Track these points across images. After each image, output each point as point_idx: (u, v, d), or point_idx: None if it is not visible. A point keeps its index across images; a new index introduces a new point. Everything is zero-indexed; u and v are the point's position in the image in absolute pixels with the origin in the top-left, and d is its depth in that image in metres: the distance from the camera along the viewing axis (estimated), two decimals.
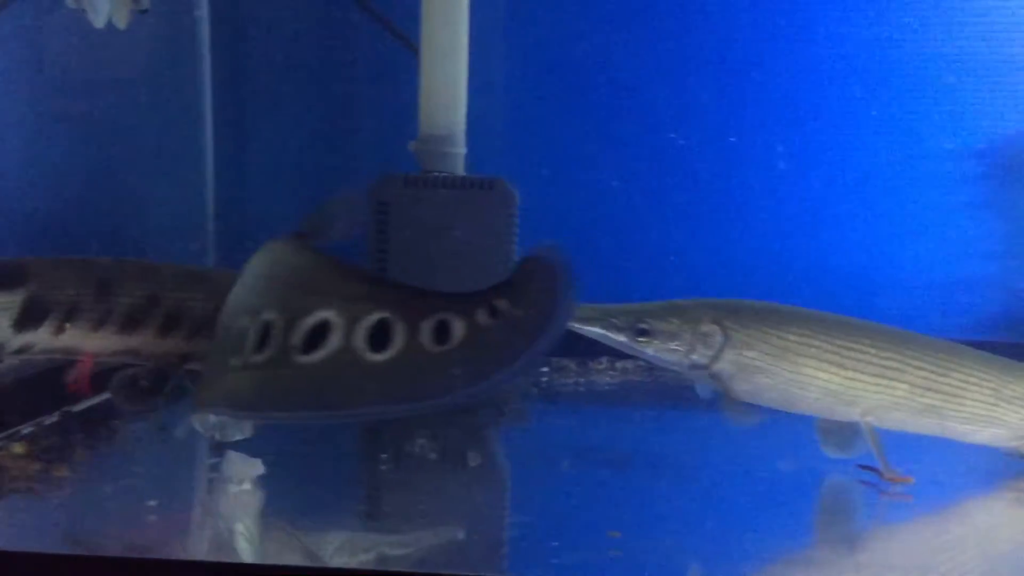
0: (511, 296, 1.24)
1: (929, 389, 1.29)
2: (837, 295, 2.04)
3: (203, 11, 2.09)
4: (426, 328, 1.19)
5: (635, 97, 2.09)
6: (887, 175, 2.08)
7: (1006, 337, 2.07)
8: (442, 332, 1.19)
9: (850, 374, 1.28)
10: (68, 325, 1.36)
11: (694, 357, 1.30)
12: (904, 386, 1.29)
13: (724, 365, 1.29)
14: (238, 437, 1.32)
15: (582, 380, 1.92)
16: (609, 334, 1.32)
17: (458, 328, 1.19)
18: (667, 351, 1.31)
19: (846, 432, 1.31)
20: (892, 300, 2.07)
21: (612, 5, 2.09)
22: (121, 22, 1.65)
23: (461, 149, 1.77)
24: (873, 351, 1.29)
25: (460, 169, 1.77)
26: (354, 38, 2.08)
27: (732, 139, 2.06)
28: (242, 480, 1.20)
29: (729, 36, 2.08)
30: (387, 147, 1.91)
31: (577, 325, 1.31)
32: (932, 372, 1.30)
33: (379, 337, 1.18)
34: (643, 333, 1.31)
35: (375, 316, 1.18)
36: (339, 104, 2.12)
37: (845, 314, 2.00)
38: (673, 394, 1.73)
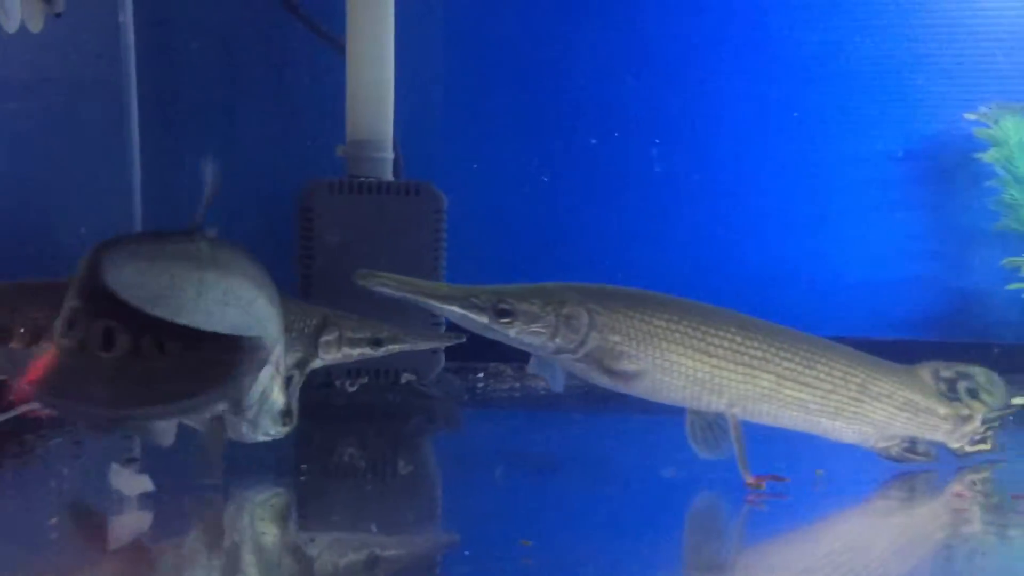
0: (192, 344, 1.16)
1: (795, 381, 1.26)
2: (770, 295, 2.05)
3: (127, 15, 2.05)
4: (97, 329, 1.12)
5: (566, 96, 2.10)
6: (820, 177, 2.10)
7: (939, 336, 2.10)
8: (109, 339, 1.12)
9: (716, 362, 1.25)
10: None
11: (558, 340, 1.24)
12: (770, 376, 1.26)
13: (589, 350, 1.25)
14: (261, 439, 1.31)
15: (518, 385, 1.91)
16: (469, 314, 1.24)
17: (122, 342, 1.12)
18: (530, 333, 1.24)
19: (715, 430, 1.27)
20: (825, 300, 2.09)
21: (542, 7, 2.10)
22: (35, 26, 1.61)
23: (389, 153, 1.75)
24: (739, 339, 1.26)
25: (388, 173, 1.76)
26: (283, 41, 2.05)
27: (657, 141, 2.07)
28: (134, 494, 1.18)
29: (658, 39, 2.08)
30: (318, 151, 1.89)
31: (437, 304, 1.24)
32: (798, 364, 1.27)
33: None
34: (505, 314, 1.24)
35: (71, 303, 1.14)
36: (269, 108, 2.09)
37: (779, 315, 2.04)
38: (608, 398, 1.73)
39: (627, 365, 1.24)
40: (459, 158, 2.09)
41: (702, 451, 1.27)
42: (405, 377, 1.72)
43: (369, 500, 1.28)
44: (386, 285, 1.22)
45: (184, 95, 2.11)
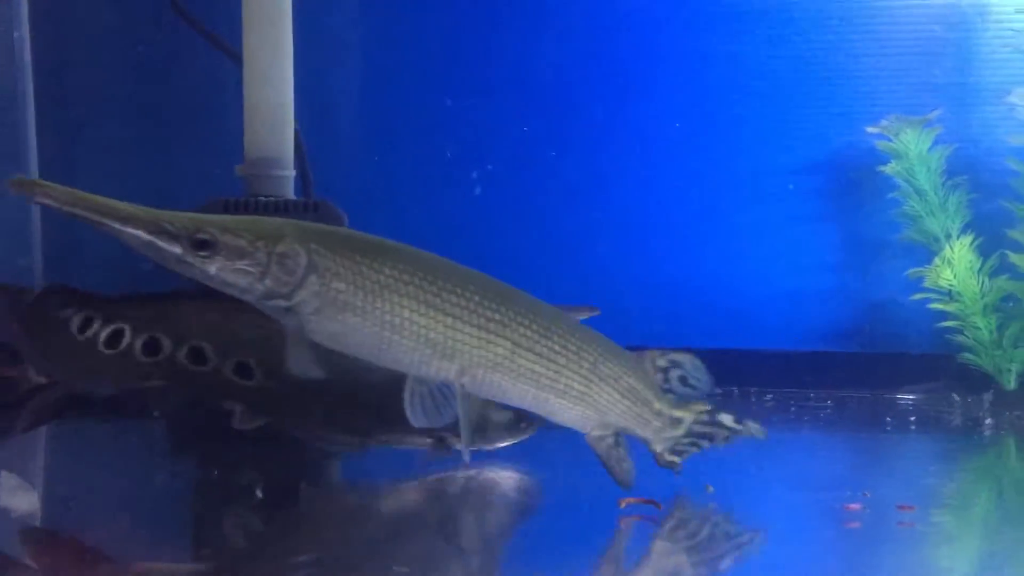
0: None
1: (530, 351, 1.16)
2: (681, 308, 2.07)
3: (23, 31, 2.00)
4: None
5: (477, 114, 2.10)
6: (729, 190, 2.12)
7: (850, 347, 2.13)
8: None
9: (451, 322, 1.12)
10: None
11: (268, 283, 1.09)
12: (506, 343, 1.15)
13: (306, 297, 1.09)
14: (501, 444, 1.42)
15: None
16: (158, 242, 1.05)
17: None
18: (234, 272, 1.08)
19: (437, 397, 1.15)
20: (737, 313, 2.10)
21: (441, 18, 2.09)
22: None
23: (289, 172, 1.71)
24: (477, 299, 1.14)
25: (289, 191, 1.72)
26: (184, 56, 2.02)
27: (552, 153, 2.07)
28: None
29: (563, 53, 2.09)
30: (220, 166, 1.85)
31: (116, 226, 1.04)
32: (534, 332, 1.16)
33: None
34: (203, 246, 1.07)
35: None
36: (170, 124, 2.05)
37: (692, 328, 2.05)
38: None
39: (351, 318, 1.10)
40: (368, 172, 2.08)
41: (418, 419, 1.14)
42: None
43: (261, 525, 1.25)
44: (50, 196, 1.03)
45: (82, 111, 2.07)
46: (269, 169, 1.69)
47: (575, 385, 1.20)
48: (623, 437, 1.25)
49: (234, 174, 1.76)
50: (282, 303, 1.10)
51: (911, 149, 1.98)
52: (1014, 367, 1.96)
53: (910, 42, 2.07)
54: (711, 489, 1.30)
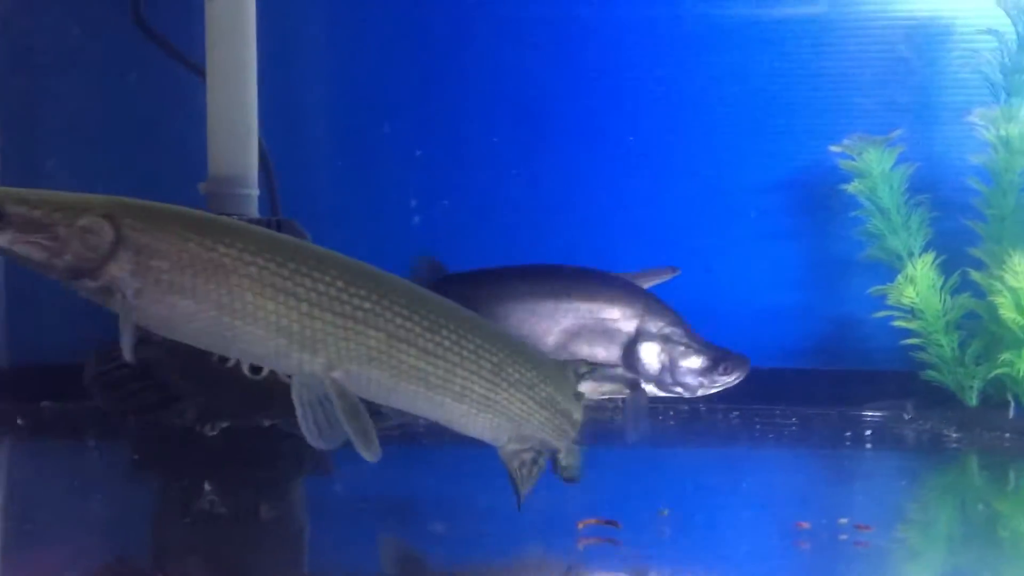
0: None
1: (412, 345, 1.03)
2: None
3: None
4: None
5: (441, 132, 2.10)
6: (695, 208, 2.13)
7: (812, 364, 2.14)
8: None
9: (307, 308, 1.00)
10: None
11: (69, 259, 0.98)
12: (380, 335, 1.02)
13: (120, 276, 0.98)
14: None
15: (395, 424, 1.88)
16: None
17: None
18: (27, 245, 0.97)
19: (327, 407, 1.02)
20: (702, 331, 2.10)
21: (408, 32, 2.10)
22: None
23: (253, 190, 1.71)
24: (341, 284, 1.01)
25: (253, 210, 1.72)
26: (150, 73, 2.01)
27: (514, 172, 2.08)
28: None
29: (527, 73, 2.10)
30: (185, 183, 1.85)
31: None
32: (417, 325, 1.03)
33: None
34: None
35: None
36: (133, 140, 2.04)
37: None
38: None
39: (181, 301, 0.98)
40: (337, 189, 2.07)
41: (313, 437, 1.01)
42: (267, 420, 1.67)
43: (222, 547, 1.24)
44: None
45: (45, 126, 2.05)
46: (232, 187, 1.69)
47: (475, 388, 1.07)
48: (544, 458, 1.15)
49: (198, 192, 1.76)
50: (89, 282, 0.99)
51: (874, 168, 2.00)
52: (976, 384, 1.98)
53: (873, 62, 2.10)
54: (665, 512, 1.30)
